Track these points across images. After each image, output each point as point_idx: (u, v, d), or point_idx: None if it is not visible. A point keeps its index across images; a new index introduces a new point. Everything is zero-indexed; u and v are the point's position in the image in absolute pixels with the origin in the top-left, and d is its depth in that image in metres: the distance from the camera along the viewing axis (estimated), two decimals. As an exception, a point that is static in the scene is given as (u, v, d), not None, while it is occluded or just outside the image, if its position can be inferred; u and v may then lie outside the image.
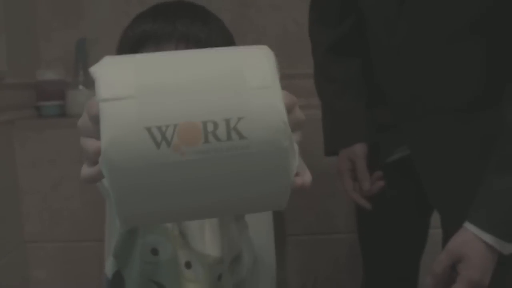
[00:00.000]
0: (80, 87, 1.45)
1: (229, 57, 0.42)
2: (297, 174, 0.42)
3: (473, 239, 0.77)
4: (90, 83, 1.46)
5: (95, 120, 0.39)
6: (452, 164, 0.88)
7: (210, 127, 0.38)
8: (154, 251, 0.64)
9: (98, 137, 0.38)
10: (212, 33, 0.70)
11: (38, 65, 1.51)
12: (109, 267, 0.67)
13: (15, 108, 1.37)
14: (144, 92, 0.38)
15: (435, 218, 1.00)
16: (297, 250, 1.40)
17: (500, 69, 0.82)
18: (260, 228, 0.94)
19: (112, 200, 0.39)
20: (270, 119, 0.39)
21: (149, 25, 0.70)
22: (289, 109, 0.41)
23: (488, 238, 0.76)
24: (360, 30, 0.99)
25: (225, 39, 0.72)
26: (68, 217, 1.37)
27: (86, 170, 0.41)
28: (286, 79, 1.69)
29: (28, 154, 1.36)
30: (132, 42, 0.70)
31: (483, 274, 0.76)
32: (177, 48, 0.68)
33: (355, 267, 1.18)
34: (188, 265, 0.67)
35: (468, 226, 0.78)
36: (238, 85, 0.39)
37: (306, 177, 0.43)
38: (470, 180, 0.83)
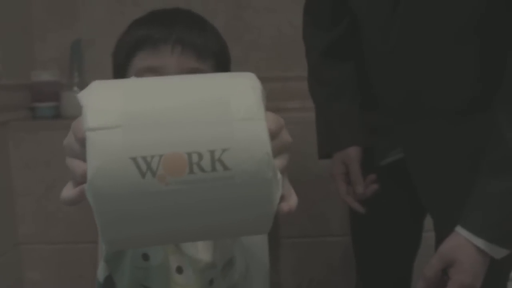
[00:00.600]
0: (75, 88, 1.45)
1: (216, 86, 0.43)
2: (283, 199, 0.43)
3: (464, 243, 0.77)
4: (85, 85, 1.45)
5: (82, 142, 0.39)
6: (445, 167, 0.89)
7: (195, 158, 0.39)
8: (145, 256, 0.64)
9: (84, 159, 0.39)
10: (208, 40, 0.71)
11: (33, 66, 1.51)
12: (101, 271, 0.67)
13: (9, 109, 1.37)
14: (130, 122, 0.39)
15: (429, 221, 1.00)
16: (291, 253, 1.40)
17: (492, 72, 0.82)
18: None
19: (98, 225, 0.39)
20: (254, 151, 0.40)
21: (146, 29, 0.71)
22: (276, 133, 0.42)
23: (479, 242, 0.76)
24: (354, 33, 0.99)
25: (220, 47, 0.73)
26: (62, 219, 1.37)
27: (68, 193, 0.42)
28: (281, 82, 1.70)
29: (22, 155, 1.36)
30: (129, 47, 0.71)
31: (475, 278, 0.76)
32: (173, 50, 0.68)
33: (349, 269, 1.18)
34: (179, 270, 0.67)
35: (460, 230, 0.78)
36: (223, 116, 0.40)
37: (292, 202, 0.44)
38: (462, 183, 0.83)
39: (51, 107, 1.45)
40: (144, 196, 0.38)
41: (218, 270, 0.71)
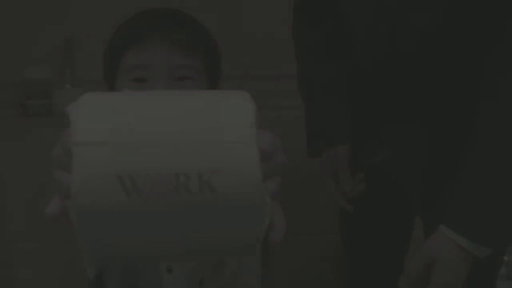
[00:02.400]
0: (67, 85, 1.45)
1: (208, 106, 0.41)
2: (272, 226, 0.42)
3: (447, 242, 0.77)
4: (77, 82, 1.46)
5: (70, 154, 0.38)
6: (432, 167, 0.89)
7: (182, 179, 0.38)
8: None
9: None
10: (195, 36, 0.71)
11: (25, 63, 1.50)
12: (91, 270, 0.67)
13: (1, 106, 1.37)
14: (119, 139, 0.38)
15: (419, 220, 1.01)
16: (283, 251, 1.41)
17: (475, 74, 0.82)
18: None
19: (78, 242, 0.39)
20: (243, 175, 0.39)
21: (134, 29, 0.72)
22: (271, 154, 0.41)
23: (462, 241, 0.76)
24: (343, 30, 0.99)
25: (209, 43, 0.74)
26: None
27: (52, 209, 0.40)
28: (273, 80, 1.70)
29: (14, 153, 1.35)
30: (118, 47, 0.72)
31: (457, 277, 0.77)
32: (161, 49, 0.69)
33: (340, 267, 1.19)
34: (169, 269, 0.68)
35: (443, 229, 0.78)
36: (214, 138, 0.39)
37: (282, 232, 0.42)
38: (449, 183, 0.83)
39: (43, 105, 1.45)
40: (129, 215, 0.37)
41: (208, 270, 0.72)
